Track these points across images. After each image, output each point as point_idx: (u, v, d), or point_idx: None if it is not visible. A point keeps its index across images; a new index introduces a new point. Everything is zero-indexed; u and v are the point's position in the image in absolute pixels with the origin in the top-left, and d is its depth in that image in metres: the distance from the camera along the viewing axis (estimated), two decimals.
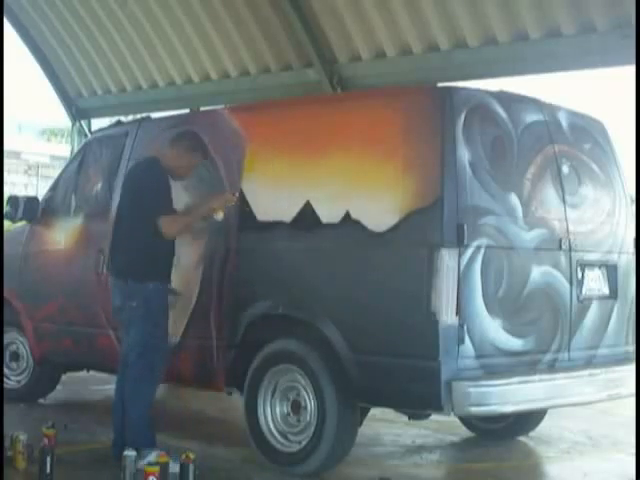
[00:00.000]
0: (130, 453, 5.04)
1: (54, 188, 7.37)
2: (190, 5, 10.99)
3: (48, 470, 5.07)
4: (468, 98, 5.32)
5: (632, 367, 5.74)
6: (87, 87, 13.13)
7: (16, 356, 7.44)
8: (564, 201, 5.61)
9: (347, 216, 5.31)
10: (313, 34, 10.21)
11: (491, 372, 5.10)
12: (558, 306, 5.48)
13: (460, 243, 5.00)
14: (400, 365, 5.09)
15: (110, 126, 7.52)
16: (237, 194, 5.78)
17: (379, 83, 9.65)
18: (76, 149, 9.91)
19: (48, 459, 5.07)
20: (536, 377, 5.29)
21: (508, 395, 5.16)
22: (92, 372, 7.46)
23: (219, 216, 5.69)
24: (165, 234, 5.56)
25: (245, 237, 5.84)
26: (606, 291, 5.86)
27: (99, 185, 6.94)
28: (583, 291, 5.64)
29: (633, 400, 5.99)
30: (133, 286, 5.57)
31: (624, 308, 5.93)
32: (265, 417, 5.64)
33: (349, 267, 5.33)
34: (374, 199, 5.28)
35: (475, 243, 5.07)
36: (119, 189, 6.66)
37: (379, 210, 5.23)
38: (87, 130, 13.28)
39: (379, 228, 5.20)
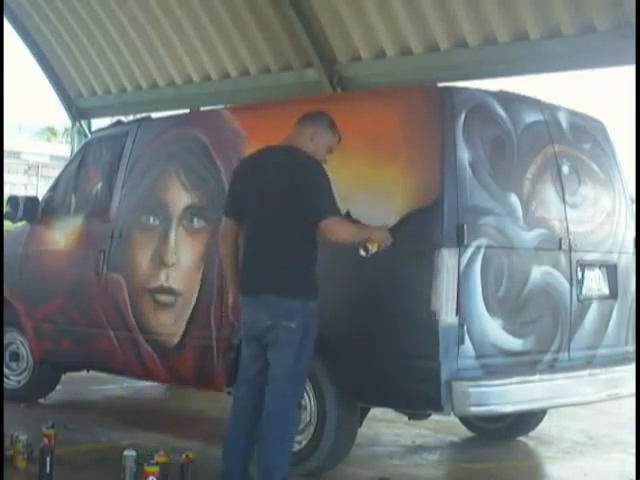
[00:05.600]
0: (130, 453, 5.03)
1: (54, 188, 7.37)
2: (190, 5, 11.00)
3: (48, 470, 5.05)
4: (468, 98, 5.32)
5: (632, 367, 5.74)
6: (87, 87, 13.13)
7: (16, 356, 7.43)
8: (564, 201, 5.61)
9: (347, 216, 5.30)
10: (313, 34, 10.22)
11: (491, 372, 5.10)
12: (558, 306, 5.48)
13: (460, 243, 5.00)
14: (400, 365, 5.09)
15: (110, 126, 7.53)
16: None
17: (379, 83, 9.65)
18: (76, 149, 9.91)
19: (48, 459, 5.06)
20: (536, 377, 5.29)
21: (508, 395, 5.16)
22: (92, 372, 7.47)
23: (372, 249, 4.75)
24: (333, 237, 4.72)
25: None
26: (606, 291, 5.86)
27: (99, 185, 6.94)
28: (583, 291, 5.64)
29: (633, 400, 5.98)
30: (292, 304, 4.72)
31: (624, 308, 5.93)
32: None
33: (349, 267, 5.32)
34: (374, 199, 5.27)
35: (475, 243, 5.07)
36: (119, 189, 6.70)
37: (379, 210, 5.23)
38: (87, 130, 13.29)
39: None
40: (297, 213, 4.74)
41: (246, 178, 4.95)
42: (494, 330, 5.13)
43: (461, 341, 4.97)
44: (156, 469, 4.83)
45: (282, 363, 4.76)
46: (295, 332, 4.72)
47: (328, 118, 5.02)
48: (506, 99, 5.52)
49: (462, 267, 5.00)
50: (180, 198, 6.26)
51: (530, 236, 5.37)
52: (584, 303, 5.64)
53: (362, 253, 4.78)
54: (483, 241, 5.11)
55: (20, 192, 31.71)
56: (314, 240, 4.82)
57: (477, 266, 5.07)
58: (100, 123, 12.22)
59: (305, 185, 4.74)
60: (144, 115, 7.65)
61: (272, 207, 4.79)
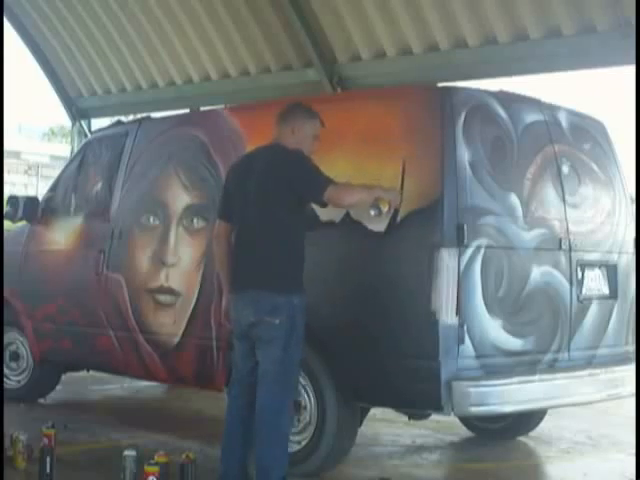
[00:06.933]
0: (130, 453, 5.03)
1: (54, 188, 7.37)
2: (190, 5, 11.01)
3: (48, 470, 5.06)
4: (468, 98, 5.32)
5: (632, 367, 5.74)
6: (87, 87, 13.14)
7: (16, 356, 7.44)
8: (564, 201, 5.61)
9: (347, 216, 5.31)
10: (313, 34, 10.22)
11: (491, 372, 5.09)
12: (558, 306, 5.48)
13: (460, 243, 5.00)
14: (400, 365, 5.09)
15: (110, 126, 7.53)
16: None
17: (379, 83, 9.65)
18: (76, 149, 9.91)
19: (48, 459, 5.07)
20: (536, 377, 5.28)
21: (508, 395, 5.15)
22: (92, 372, 7.46)
23: (384, 208, 4.85)
24: (344, 202, 4.84)
25: None
26: (606, 291, 5.85)
27: (99, 185, 6.94)
28: (583, 291, 5.64)
29: (633, 400, 5.98)
30: (275, 300, 4.75)
31: (624, 308, 5.93)
32: None
33: (349, 267, 5.33)
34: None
35: (475, 243, 5.07)
36: (119, 189, 6.70)
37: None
38: (87, 130, 13.29)
39: (379, 228, 5.19)
40: (282, 211, 4.82)
41: (234, 180, 5.07)
42: (494, 330, 5.12)
43: (461, 341, 4.97)
44: (156, 469, 4.83)
45: (269, 360, 4.80)
46: (278, 328, 4.75)
47: (304, 107, 5.09)
48: (506, 99, 5.52)
49: (462, 267, 5.00)
50: (180, 198, 6.26)
51: (530, 236, 5.37)
52: (584, 303, 5.64)
53: (373, 213, 4.87)
54: (483, 241, 5.11)
55: (20, 192, 31.72)
56: (301, 238, 4.89)
57: (477, 266, 5.07)
58: (100, 123, 12.23)
59: (291, 174, 4.83)
60: (144, 115, 7.65)
61: (256, 207, 4.88)
